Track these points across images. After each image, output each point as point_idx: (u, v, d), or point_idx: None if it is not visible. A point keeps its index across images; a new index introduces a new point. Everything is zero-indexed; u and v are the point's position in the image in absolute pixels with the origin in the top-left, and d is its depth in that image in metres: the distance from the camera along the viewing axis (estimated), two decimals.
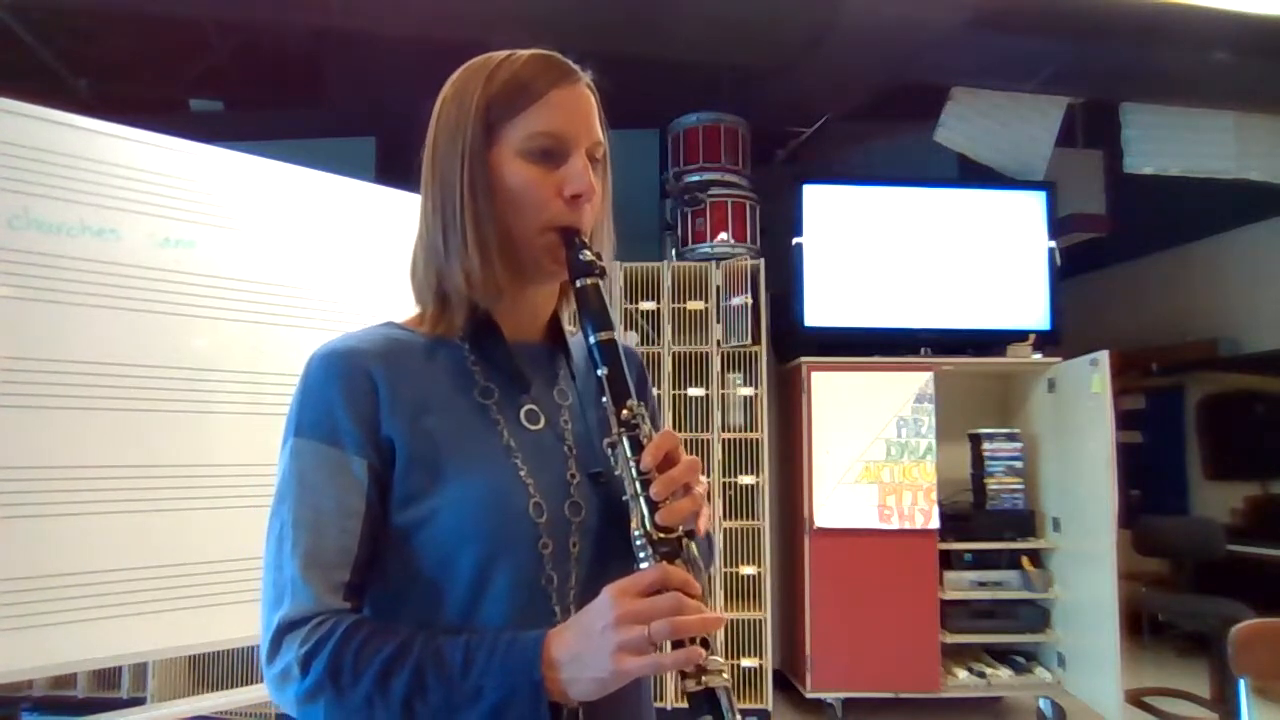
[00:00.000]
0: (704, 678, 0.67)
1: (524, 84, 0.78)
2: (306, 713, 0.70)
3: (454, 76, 0.83)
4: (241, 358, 1.98)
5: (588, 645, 0.66)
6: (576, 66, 0.82)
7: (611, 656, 0.65)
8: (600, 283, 0.78)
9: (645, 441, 0.73)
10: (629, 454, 0.73)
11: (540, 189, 0.78)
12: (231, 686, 3.26)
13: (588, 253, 0.78)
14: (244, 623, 1.89)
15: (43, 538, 1.68)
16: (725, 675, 0.68)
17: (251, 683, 3.03)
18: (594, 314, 0.77)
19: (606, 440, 0.76)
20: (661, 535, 0.71)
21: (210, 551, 1.88)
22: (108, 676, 3.44)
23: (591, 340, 0.77)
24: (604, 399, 0.76)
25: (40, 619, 1.67)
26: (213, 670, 3.41)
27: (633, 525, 0.72)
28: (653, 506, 0.71)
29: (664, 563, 0.69)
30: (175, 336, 1.89)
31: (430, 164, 0.82)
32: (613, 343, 0.77)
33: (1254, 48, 3.40)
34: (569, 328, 0.90)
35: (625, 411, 0.75)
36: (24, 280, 1.70)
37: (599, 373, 0.76)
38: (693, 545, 0.73)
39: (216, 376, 1.95)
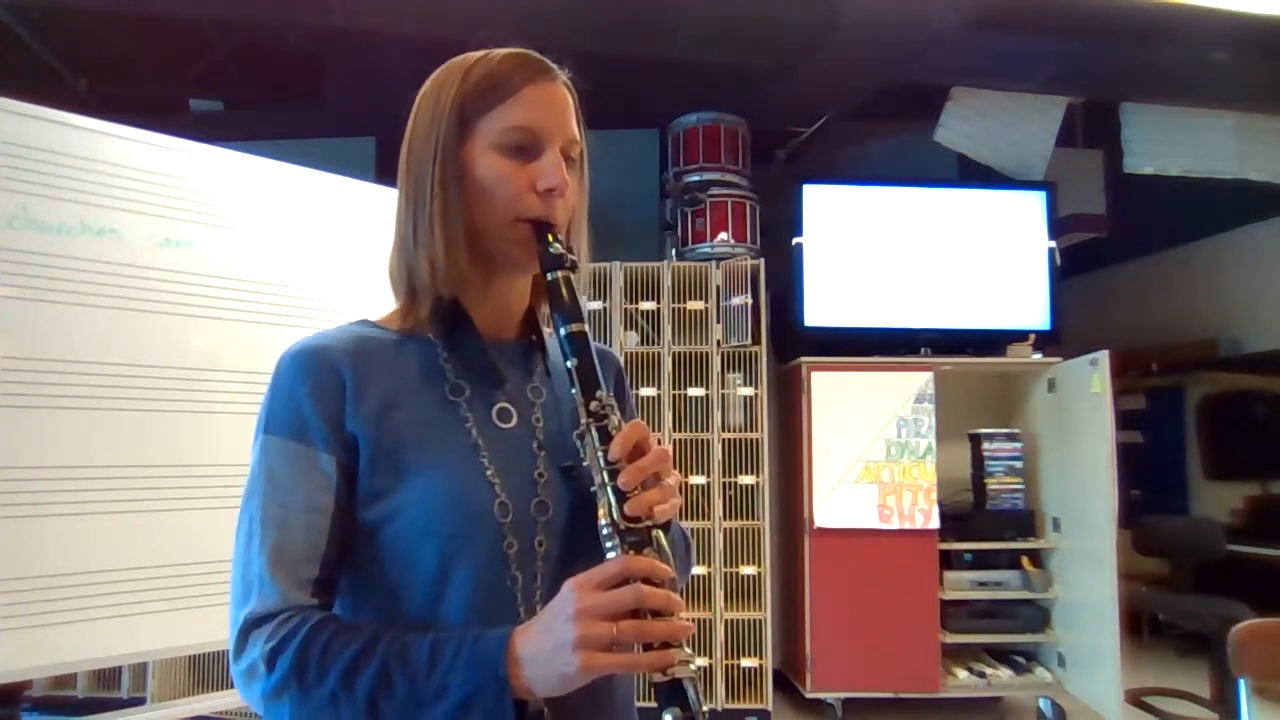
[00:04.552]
0: (670, 669, 0.67)
1: (499, 80, 0.79)
2: (272, 709, 0.70)
3: (432, 76, 0.84)
4: (241, 358, 1.98)
5: (551, 640, 0.66)
6: (554, 65, 0.82)
7: (574, 651, 0.64)
8: (572, 276, 0.78)
9: (614, 432, 0.73)
10: (597, 444, 0.73)
11: (513, 182, 0.78)
12: (231, 687, 3.26)
13: (559, 246, 0.78)
14: None
15: (43, 538, 1.68)
16: (692, 666, 0.68)
17: None
18: (564, 307, 0.77)
19: (576, 431, 0.76)
20: (629, 525, 0.71)
21: (210, 551, 1.88)
22: (108, 676, 3.44)
23: (562, 332, 0.77)
24: (573, 390, 0.76)
25: (40, 619, 1.67)
26: (213, 670, 3.42)
27: (600, 515, 0.72)
28: (620, 496, 0.71)
29: (629, 553, 0.69)
30: (175, 336, 1.89)
31: (405, 160, 0.83)
32: (583, 334, 0.77)
33: (1254, 48, 3.40)
34: (545, 330, 0.90)
35: (594, 403, 0.74)
36: (24, 280, 1.70)
37: (568, 364, 0.76)
38: (662, 536, 0.72)
39: (216, 376, 1.95)
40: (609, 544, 0.71)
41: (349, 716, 0.67)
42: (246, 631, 0.72)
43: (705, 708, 0.69)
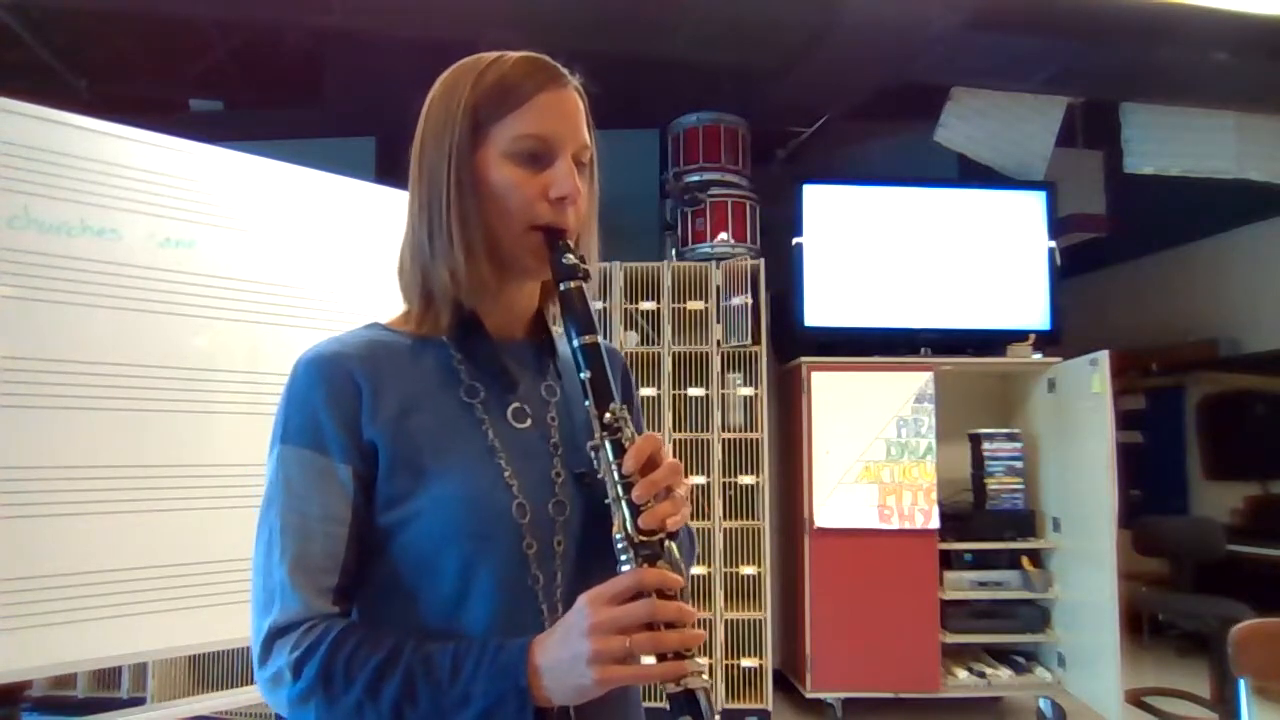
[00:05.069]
0: (683, 679, 0.68)
1: (512, 86, 0.79)
2: (298, 715, 0.72)
3: (443, 77, 0.83)
4: (241, 358, 1.98)
5: (568, 652, 0.67)
6: (566, 70, 0.82)
7: (589, 664, 0.66)
8: (584, 286, 0.78)
9: (628, 445, 0.74)
10: (611, 457, 0.74)
11: (526, 190, 0.78)
12: (231, 686, 3.26)
13: (571, 256, 0.78)
14: (244, 623, 1.86)
15: (43, 538, 1.68)
16: (705, 676, 0.69)
17: (251, 683, 3.03)
18: (577, 317, 0.78)
19: (590, 444, 0.77)
20: (643, 538, 0.72)
21: (210, 551, 1.88)
22: (108, 676, 3.44)
23: (575, 344, 0.78)
24: (587, 402, 0.76)
25: (40, 619, 1.67)
26: (213, 670, 3.41)
27: (615, 528, 0.73)
28: (635, 510, 0.72)
29: (642, 566, 0.70)
30: (175, 336, 1.89)
31: (417, 163, 0.82)
32: (596, 346, 0.77)
33: (1254, 48, 3.40)
34: (554, 329, 0.90)
35: (608, 415, 0.75)
36: (24, 280, 1.70)
37: (582, 376, 0.77)
38: (674, 547, 0.73)
39: (216, 376, 1.95)
40: (623, 556, 0.72)
41: None
42: (271, 640, 0.73)
43: (717, 716, 0.70)
